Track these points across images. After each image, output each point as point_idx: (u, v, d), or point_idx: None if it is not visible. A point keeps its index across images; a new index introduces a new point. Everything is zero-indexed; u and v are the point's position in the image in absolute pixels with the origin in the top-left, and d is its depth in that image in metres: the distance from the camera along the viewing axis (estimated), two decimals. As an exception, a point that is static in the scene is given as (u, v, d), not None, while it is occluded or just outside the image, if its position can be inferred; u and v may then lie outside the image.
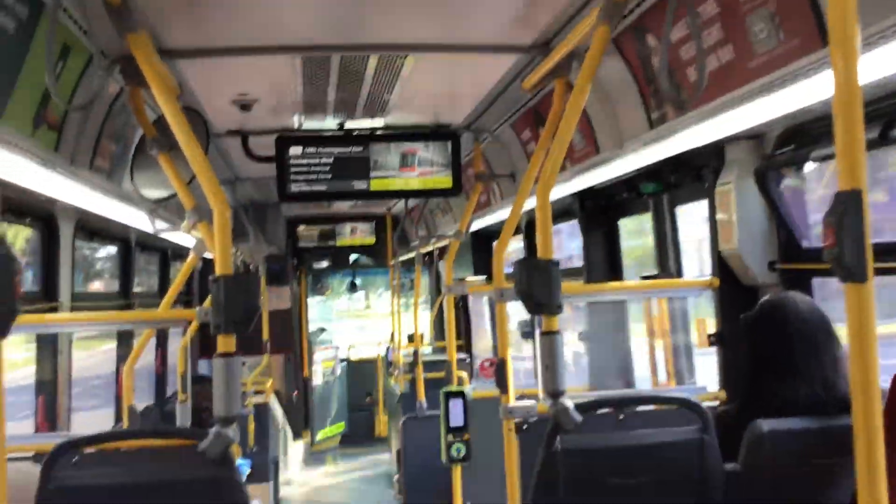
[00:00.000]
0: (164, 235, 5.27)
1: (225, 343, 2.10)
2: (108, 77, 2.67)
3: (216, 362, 2.09)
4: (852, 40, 1.27)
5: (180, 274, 3.62)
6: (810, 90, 2.19)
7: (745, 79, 2.25)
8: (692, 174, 3.53)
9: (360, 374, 11.88)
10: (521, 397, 3.59)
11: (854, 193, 1.25)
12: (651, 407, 2.97)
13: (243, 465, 6.56)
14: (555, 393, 2.24)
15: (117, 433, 2.36)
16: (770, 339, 2.48)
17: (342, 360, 11.88)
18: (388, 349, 10.46)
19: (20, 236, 4.15)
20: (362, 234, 10.61)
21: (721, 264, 3.23)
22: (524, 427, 3.18)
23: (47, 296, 4.12)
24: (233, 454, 2.12)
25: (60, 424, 3.98)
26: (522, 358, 7.08)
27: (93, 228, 4.80)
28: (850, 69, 1.27)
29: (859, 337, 1.26)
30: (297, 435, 10.08)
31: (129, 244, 5.53)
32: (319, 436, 11.07)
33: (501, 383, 2.89)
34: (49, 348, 4.10)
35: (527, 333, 6.63)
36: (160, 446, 2.43)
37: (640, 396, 2.65)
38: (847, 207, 1.25)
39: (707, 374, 4.00)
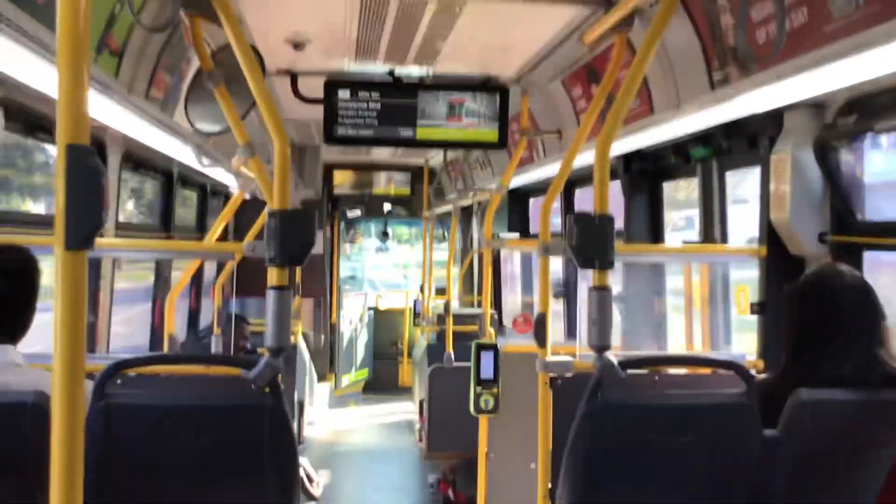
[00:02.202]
0: (206, 171, 5.32)
1: (279, 276, 2.13)
2: (173, 3, 2.66)
3: (270, 294, 2.12)
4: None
5: (227, 208, 3.66)
6: (885, 59, 2.14)
7: (818, 43, 2.20)
8: (746, 140, 3.47)
9: (387, 323, 11.98)
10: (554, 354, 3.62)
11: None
12: (684, 371, 2.98)
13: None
14: (601, 347, 2.25)
15: (169, 356, 2.41)
16: (815, 312, 2.45)
17: (370, 309, 11.97)
18: (416, 301, 10.52)
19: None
20: (398, 184, 10.61)
21: (770, 233, 3.20)
22: (558, 382, 3.21)
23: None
24: (280, 384, 2.16)
25: (99, 348, 4.07)
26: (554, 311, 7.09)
27: (139, 159, 4.84)
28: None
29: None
30: (321, 379, 10.23)
31: (172, 178, 5.58)
32: (343, 381, 11.22)
33: (540, 338, 2.90)
34: (93, 273, 4.17)
35: (559, 293, 6.64)
36: (204, 374, 2.48)
37: (686, 357, 2.65)
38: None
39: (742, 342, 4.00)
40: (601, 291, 2.27)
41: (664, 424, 2.27)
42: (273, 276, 2.14)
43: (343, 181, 10.60)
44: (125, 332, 5.58)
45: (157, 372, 2.41)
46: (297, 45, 3.89)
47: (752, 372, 3.15)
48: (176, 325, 6.68)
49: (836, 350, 2.37)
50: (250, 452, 2.16)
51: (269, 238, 2.12)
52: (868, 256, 3.04)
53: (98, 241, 3.78)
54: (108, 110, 3.11)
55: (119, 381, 2.18)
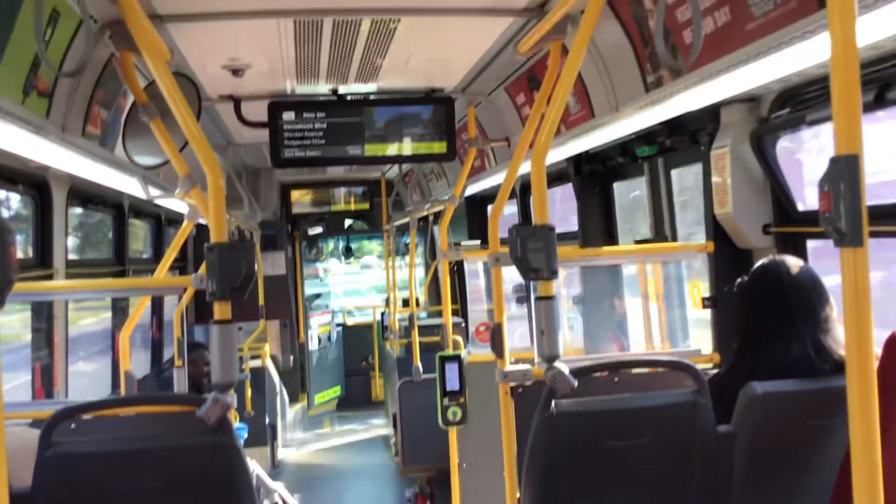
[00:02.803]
0: (157, 201, 5.26)
1: (221, 310, 2.11)
2: (98, 42, 2.63)
3: (213, 329, 2.10)
4: (850, 2, 1.26)
5: (175, 241, 3.62)
6: (806, 53, 2.17)
7: (742, 42, 2.23)
8: (688, 137, 3.52)
9: (355, 338, 11.93)
10: (516, 361, 3.62)
11: (850, 158, 1.25)
12: (646, 370, 3.00)
13: (241, 430, 6.62)
14: (550, 357, 2.26)
15: (115, 400, 2.37)
16: (763, 302, 2.50)
17: (338, 325, 11.91)
18: (383, 314, 10.49)
19: None
20: (357, 199, 10.59)
21: (716, 228, 3.24)
22: (519, 391, 3.21)
23: (42, 263, 4.11)
24: (230, 420, 2.13)
25: (57, 391, 4.00)
26: (518, 318, 7.10)
27: (86, 195, 4.78)
28: (848, 32, 1.26)
29: (854, 301, 1.26)
30: (293, 399, 10.16)
31: (123, 210, 5.51)
32: (316, 400, 11.14)
33: (497, 348, 2.90)
34: (44, 315, 4.10)
35: (522, 298, 6.66)
36: (159, 412, 2.44)
37: (634, 360, 2.67)
38: (843, 172, 1.25)
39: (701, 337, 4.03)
40: (546, 301, 2.27)
41: (618, 428, 2.28)
42: (216, 310, 2.12)
43: (301, 200, 10.56)
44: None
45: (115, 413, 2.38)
46: (237, 72, 3.86)
47: (710, 366, 3.19)
48: (140, 358, 6.63)
49: (783, 335, 2.42)
50: (205, 491, 2.13)
51: (210, 272, 2.10)
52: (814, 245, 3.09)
53: (43, 284, 3.74)
54: (43, 150, 3.07)
55: (73, 426, 2.14)
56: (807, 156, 3.15)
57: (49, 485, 2.05)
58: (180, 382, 4.14)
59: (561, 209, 6.00)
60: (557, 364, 2.25)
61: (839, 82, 1.26)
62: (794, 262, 2.54)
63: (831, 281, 2.53)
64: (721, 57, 2.33)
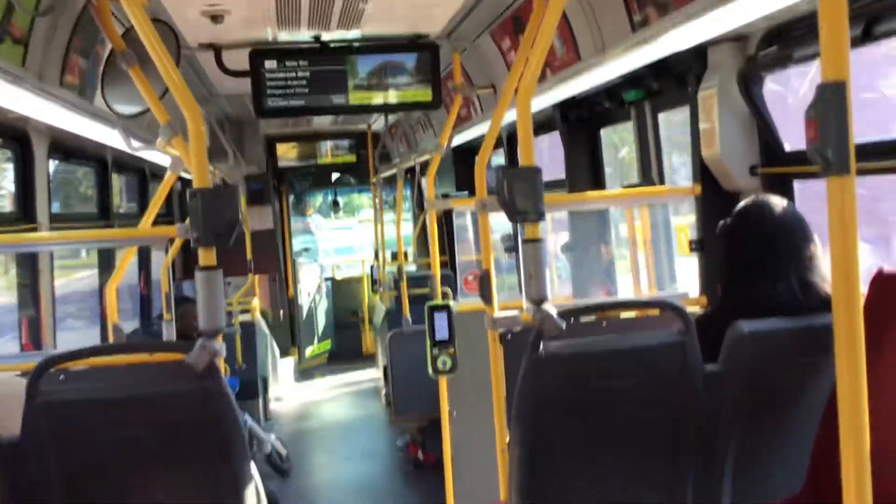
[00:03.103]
0: (140, 154, 5.20)
1: (206, 256, 2.09)
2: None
3: (198, 276, 2.08)
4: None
5: (158, 192, 3.58)
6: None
7: (729, -24, 2.20)
8: (675, 79, 3.48)
9: (345, 292, 11.94)
10: (504, 309, 3.62)
11: (838, 85, 1.23)
12: (633, 314, 3.01)
13: (232, 381, 6.66)
14: (538, 300, 2.25)
15: (103, 347, 2.36)
16: (747, 242, 2.50)
17: (327, 279, 11.91)
18: (372, 267, 10.49)
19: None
20: (343, 152, 10.51)
21: (703, 170, 3.22)
22: (508, 337, 3.21)
23: (25, 216, 4.08)
24: (219, 366, 2.13)
25: (46, 344, 3.99)
26: (507, 270, 7.12)
27: (68, 148, 4.72)
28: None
29: (841, 232, 1.25)
30: (284, 353, 10.19)
31: (106, 163, 5.45)
32: (307, 354, 11.19)
33: (486, 295, 2.90)
34: (30, 268, 4.08)
35: (510, 247, 6.66)
36: (147, 361, 2.44)
37: (620, 301, 2.67)
38: (830, 100, 1.23)
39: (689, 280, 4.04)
40: (534, 244, 2.26)
41: (606, 369, 2.29)
42: (201, 256, 2.10)
43: (287, 153, 10.47)
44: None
45: (98, 363, 2.37)
46: (216, 18, 3.78)
47: (697, 309, 3.20)
48: (129, 311, 6.62)
49: (768, 274, 2.42)
50: (194, 438, 2.13)
51: (193, 218, 2.08)
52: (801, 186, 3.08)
53: (26, 235, 3.70)
54: (20, 100, 3.02)
55: (62, 377, 2.13)
56: (793, 96, 3.12)
57: (37, 433, 2.04)
58: (169, 335, 4.13)
59: (549, 157, 5.97)
60: (545, 306, 2.24)
61: (827, 10, 1.24)
62: (777, 202, 2.53)
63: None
64: (708, -7, 2.30)
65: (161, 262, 4.81)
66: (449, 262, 9.04)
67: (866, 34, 2.26)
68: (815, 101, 1.25)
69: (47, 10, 2.25)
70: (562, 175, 5.00)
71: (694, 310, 3.19)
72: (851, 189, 1.26)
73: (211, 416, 2.14)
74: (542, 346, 2.25)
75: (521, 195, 2.24)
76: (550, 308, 2.26)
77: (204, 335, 2.08)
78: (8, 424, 2.03)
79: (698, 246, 3.31)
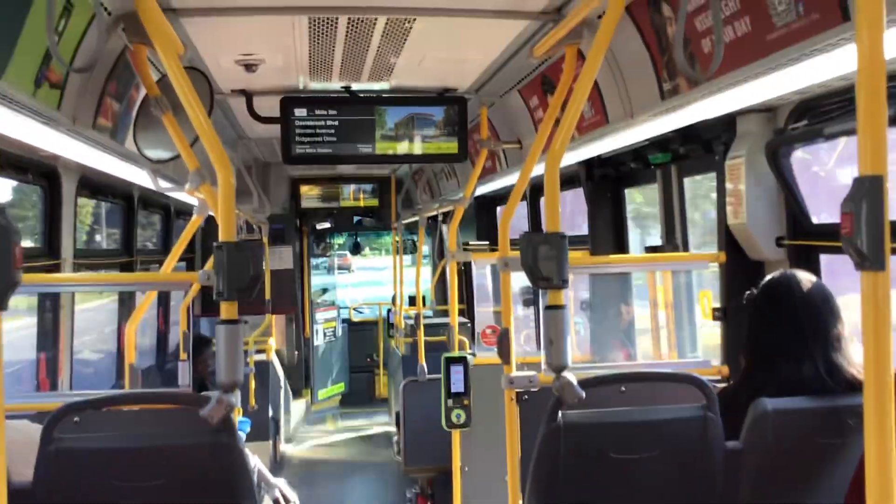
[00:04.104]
0: (167, 193, 5.25)
1: (228, 310, 2.09)
2: (111, 35, 2.62)
3: (219, 329, 2.08)
4: (879, 15, 1.23)
5: (184, 234, 3.60)
6: (827, 66, 2.14)
7: (762, 52, 2.20)
8: (702, 145, 3.48)
9: (361, 335, 11.91)
10: (522, 366, 3.59)
11: (874, 179, 1.22)
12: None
13: (244, 424, 6.62)
14: (558, 367, 2.23)
15: (119, 397, 2.35)
16: (773, 318, 2.46)
17: (344, 321, 11.90)
18: (389, 311, 10.47)
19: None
20: (366, 196, 10.57)
21: (728, 238, 3.20)
22: (525, 397, 3.18)
23: (50, 252, 4.11)
24: (233, 420, 2.11)
25: (62, 382, 3.99)
26: (523, 319, 7.08)
27: (96, 185, 4.77)
28: (876, 49, 1.23)
29: (874, 325, 1.24)
30: (297, 394, 10.15)
31: (133, 201, 5.51)
32: (320, 395, 11.13)
33: (504, 353, 2.88)
34: (51, 305, 4.10)
35: (529, 300, 6.63)
36: (161, 408, 2.43)
37: (645, 373, 2.63)
38: (866, 193, 1.22)
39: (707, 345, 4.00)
40: (556, 311, 2.24)
41: (625, 441, 2.25)
42: (222, 310, 2.10)
43: (310, 194, 10.54)
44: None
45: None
46: (250, 67, 3.84)
47: (718, 378, 3.16)
48: (145, 348, 6.63)
49: (793, 354, 2.38)
50: (205, 491, 2.11)
51: (218, 271, 2.08)
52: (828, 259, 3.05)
53: (50, 276, 3.73)
54: (53, 141, 3.06)
55: (76, 420, 2.13)
56: (822, 169, 3.11)
57: (50, 480, 2.03)
58: (185, 376, 4.13)
59: (570, 212, 5.97)
60: (565, 374, 2.22)
61: (865, 101, 1.23)
62: (805, 277, 2.50)
63: (845, 298, 2.50)
64: (740, 67, 2.30)
65: (181, 297, 4.84)
66: (467, 311, 9.01)
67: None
68: (851, 193, 1.24)
69: (83, 69, 2.28)
70: (584, 229, 4.99)
71: (715, 379, 3.15)
72: (886, 284, 1.24)
73: (222, 470, 2.12)
74: (560, 415, 2.22)
75: (545, 261, 2.22)
76: (571, 376, 2.23)
77: (221, 388, 2.07)
78: (21, 470, 2.02)
79: (721, 314, 3.28)
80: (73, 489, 2.06)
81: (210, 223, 5.24)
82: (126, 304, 5.33)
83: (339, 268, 23.56)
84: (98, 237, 5.96)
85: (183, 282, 2.97)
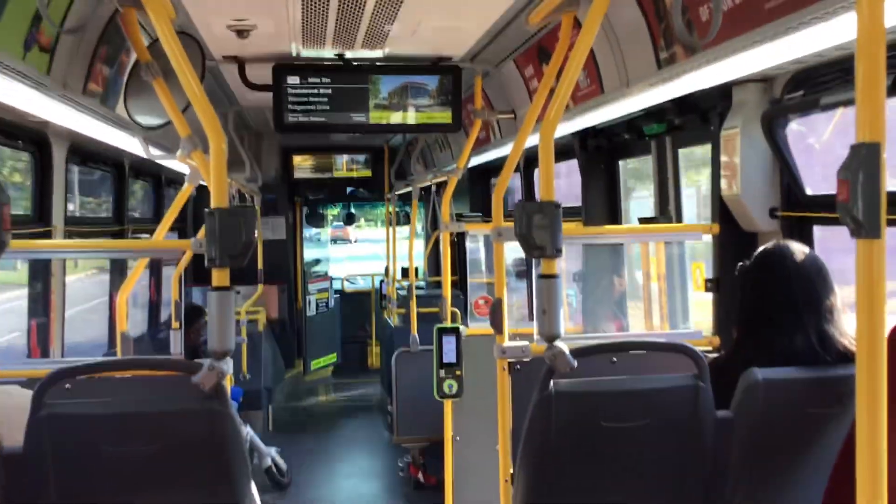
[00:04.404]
0: (159, 161, 5.21)
1: (220, 277, 2.08)
2: (102, -2, 2.58)
3: (211, 296, 2.07)
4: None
5: (175, 203, 3.58)
6: (826, 34, 2.12)
7: (761, 20, 2.18)
8: (697, 116, 3.46)
9: (353, 306, 11.90)
10: (515, 337, 3.60)
11: (872, 147, 1.21)
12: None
13: (236, 393, 6.63)
14: (550, 337, 2.23)
15: (110, 362, 2.35)
16: (766, 289, 2.46)
17: (336, 292, 11.89)
18: (381, 282, 10.46)
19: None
20: (359, 166, 10.53)
21: (722, 209, 3.20)
22: (517, 367, 3.19)
23: (41, 219, 4.08)
24: (225, 387, 2.11)
25: (53, 349, 3.98)
26: (516, 291, 7.08)
27: (86, 152, 4.73)
28: (876, 16, 1.21)
29: (869, 293, 1.23)
30: (289, 365, 10.16)
31: (124, 169, 5.47)
32: (312, 366, 11.15)
33: (496, 324, 2.88)
34: (42, 271, 4.08)
35: (521, 272, 6.63)
36: (154, 375, 2.42)
37: (637, 342, 2.64)
38: (863, 161, 1.21)
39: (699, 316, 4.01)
40: (549, 280, 2.24)
41: (616, 410, 2.26)
42: (214, 277, 2.09)
43: (303, 165, 10.49)
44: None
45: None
46: (241, 32, 3.79)
47: (710, 349, 3.17)
48: (137, 318, 6.62)
49: (786, 325, 2.38)
50: (197, 458, 2.11)
51: (209, 238, 2.07)
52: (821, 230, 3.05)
53: (40, 242, 3.71)
54: (43, 106, 3.02)
55: (67, 386, 2.12)
56: (817, 141, 3.10)
57: (41, 446, 2.03)
58: (177, 345, 4.12)
59: (566, 184, 5.95)
60: (558, 343, 2.22)
61: (864, 68, 1.22)
62: (798, 249, 2.50)
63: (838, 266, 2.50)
64: (738, 35, 2.28)
65: (173, 266, 4.81)
66: (459, 283, 9.01)
67: (898, 85, 2.23)
68: (847, 160, 1.23)
69: (73, 30, 2.25)
70: (577, 202, 4.98)
71: (706, 349, 3.16)
72: (881, 252, 1.23)
73: (214, 437, 2.12)
74: (552, 384, 2.22)
75: (539, 230, 2.21)
76: (563, 345, 2.23)
77: (213, 355, 2.07)
78: (13, 435, 2.02)
79: (714, 285, 3.28)
80: (64, 455, 2.06)
81: (202, 192, 5.21)
82: (117, 271, 5.31)
83: (339, 240, 23.49)
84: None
85: (175, 249, 2.95)
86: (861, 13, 1.22)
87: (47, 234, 4.02)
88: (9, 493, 2.00)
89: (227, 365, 2.10)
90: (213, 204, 2.07)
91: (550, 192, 2.26)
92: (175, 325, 4.19)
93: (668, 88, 3.00)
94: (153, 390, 2.23)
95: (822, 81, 2.72)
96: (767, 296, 2.44)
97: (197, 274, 8.31)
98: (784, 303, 2.41)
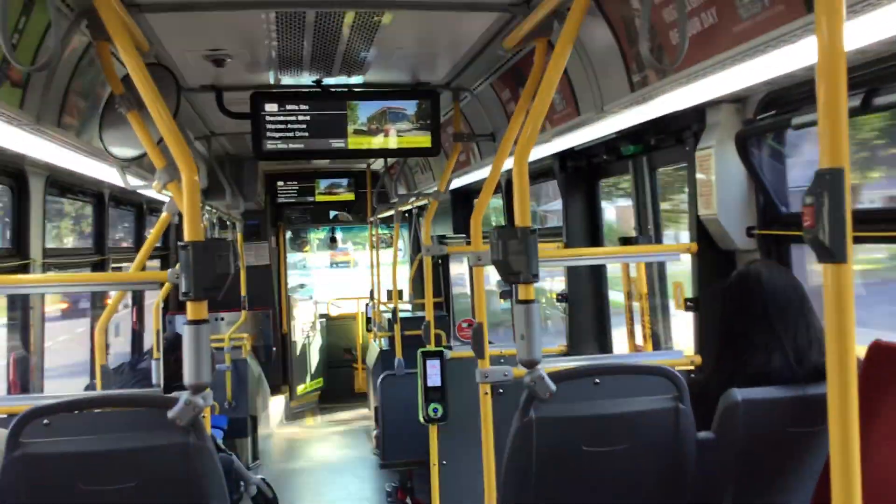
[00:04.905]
0: (138, 191, 5.19)
1: (195, 310, 2.07)
2: (75, 32, 2.57)
3: (186, 330, 2.05)
4: (838, 6, 1.22)
5: (153, 233, 3.56)
6: (793, 56, 2.15)
7: (728, 43, 2.20)
8: (673, 136, 3.48)
9: (339, 330, 11.87)
10: (498, 358, 3.59)
11: (835, 172, 1.22)
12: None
13: (220, 421, 6.58)
14: (530, 363, 2.23)
15: (86, 400, 2.32)
16: (743, 309, 2.48)
17: (322, 316, 11.85)
18: (367, 306, 10.44)
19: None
20: (342, 190, 10.53)
21: (699, 229, 3.21)
22: (500, 391, 3.18)
23: (19, 252, 4.05)
24: (202, 422, 2.09)
25: (33, 385, 3.94)
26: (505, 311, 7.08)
27: (65, 184, 4.71)
28: (835, 38, 1.22)
29: (837, 316, 1.24)
30: (275, 391, 10.10)
31: (103, 199, 5.44)
32: (298, 391, 11.09)
33: (478, 349, 2.87)
34: (20, 305, 4.04)
35: (506, 293, 6.63)
36: (130, 410, 2.40)
37: (616, 366, 2.64)
38: (828, 186, 1.22)
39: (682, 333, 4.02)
40: (528, 305, 2.24)
41: (597, 434, 2.25)
42: (189, 310, 2.07)
43: (287, 190, 10.48)
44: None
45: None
46: (218, 62, 3.79)
47: (691, 368, 3.17)
48: (119, 347, 6.56)
49: (763, 344, 2.39)
50: (175, 493, 2.09)
51: (184, 271, 2.06)
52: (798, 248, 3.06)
53: (18, 277, 3.68)
54: (18, 140, 3.01)
55: (45, 422, 2.10)
56: (791, 160, 3.12)
57: (17, 485, 2.01)
58: (158, 374, 4.09)
59: (555, 197, 5.96)
60: (538, 369, 2.22)
61: (825, 92, 1.23)
62: (775, 269, 2.52)
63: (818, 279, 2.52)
64: (707, 58, 2.30)
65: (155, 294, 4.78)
66: (444, 304, 9.00)
67: (865, 105, 2.26)
68: (811, 187, 1.24)
69: (43, 67, 2.25)
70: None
71: (688, 368, 3.16)
72: (848, 276, 1.24)
73: (192, 472, 2.10)
74: (532, 410, 2.22)
75: (515, 255, 2.22)
76: (542, 371, 2.23)
77: (189, 389, 2.05)
78: None
79: (694, 304, 3.29)
80: (41, 493, 2.03)
81: (182, 222, 5.18)
82: (99, 301, 5.27)
83: (338, 264, 23.22)
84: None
85: (153, 281, 2.93)
86: (821, 38, 1.24)
87: (25, 268, 3.99)
88: None
89: (206, 398, 2.09)
90: (186, 237, 2.06)
91: (526, 218, 2.27)
92: (157, 355, 4.15)
93: (641, 110, 3.02)
94: (131, 425, 2.21)
95: (794, 101, 2.75)
96: (745, 316, 2.45)
97: (180, 302, 8.26)
98: (761, 322, 2.42)
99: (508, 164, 3.12)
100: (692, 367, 3.14)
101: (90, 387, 4.69)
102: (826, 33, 1.22)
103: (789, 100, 2.77)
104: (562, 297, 4.76)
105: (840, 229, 1.21)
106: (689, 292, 3.43)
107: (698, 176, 3.17)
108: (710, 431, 2.31)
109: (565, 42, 2.33)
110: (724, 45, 2.23)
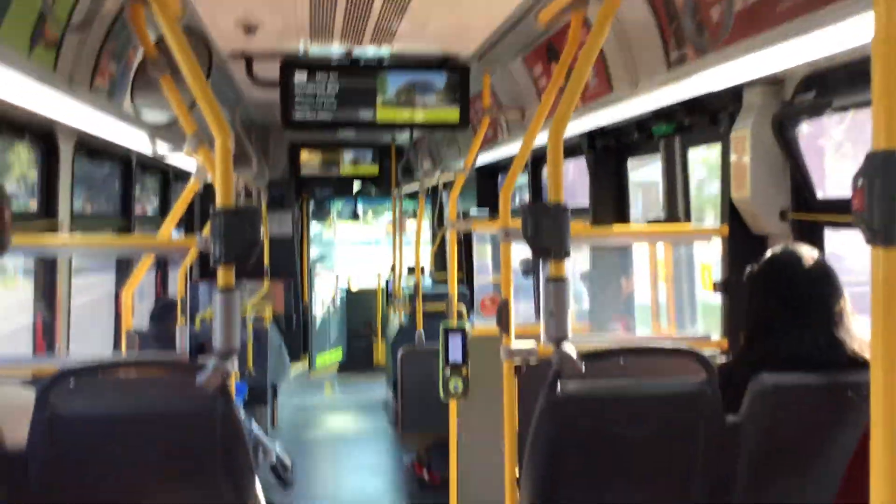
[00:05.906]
0: (165, 157, 5.20)
1: (225, 276, 2.06)
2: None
3: (215, 296, 2.05)
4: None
5: (181, 199, 3.56)
6: (840, 37, 2.09)
7: (772, 22, 2.15)
8: (707, 117, 3.43)
9: (359, 303, 11.90)
10: (521, 336, 3.57)
11: (888, 154, 1.18)
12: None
13: (241, 388, 6.63)
14: (558, 339, 2.21)
15: (116, 363, 2.34)
16: (774, 293, 2.44)
17: (342, 289, 11.89)
18: (388, 280, 10.45)
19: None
20: (366, 163, 10.51)
21: (731, 211, 3.17)
22: (524, 370, 3.17)
23: (47, 214, 4.07)
24: (230, 387, 2.10)
25: (58, 347, 3.98)
26: (524, 290, 7.06)
27: (93, 147, 4.72)
28: (894, 13, 1.19)
29: (884, 301, 1.21)
30: (295, 360, 10.16)
31: (131, 164, 5.46)
32: (318, 362, 11.15)
33: (503, 325, 2.86)
34: (48, 267, 4.07)
35: (528, 271, 6.61)
36: (157, 376, 2.41)
37: (642, 348, 2.61)
38: (880, 168, 1.19)
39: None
40: (557, 282, 2.22)
41: (624, 414, 2.24)
42: (219, 276, 2.07)
43: (310, 161, 10.47)
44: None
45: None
46: (249, 29, 3.78)
47: (718, 351, 3.14)
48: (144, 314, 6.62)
49: (794, 329, 2.36)
50: (201, 459, 2.10)
51: (214, 237, 2.05)
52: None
53: (46, 238, 3.70)
54: (50, 102, 3.01)
55: (72, 384, 2.11)
56: (829, 143, 3.07)
57: (43, 446, 2.02)
58: (183, 341, 4.12)
59: (572, 182, 5.93)
60: (565, 346, 2.20)
61: (881, 70, 1.19)
62: (807, 253, 2.48)
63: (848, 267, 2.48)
64: (749, 37, 2.26)
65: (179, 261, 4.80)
66: (466, 280, 8.99)
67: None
68: (862, 168, 1.20)
69: (79, 27, 2.24)
70: (586, 200, 4.95)
71: (714, 352, 3.13)
72: (896, 260, 1.21)
73: (218, 437, 2.11)
74: (559, 387, 2.20)
75: (546, 232, 2.20)
76: (571, 348, 2.21)
77: (217, 355, 2.05)
78: (16, 435, 2.01)
79: (722, 287, 3.25)
80: (67, 455, 2.05)
81: (208, 187, 5.19)
82: (123, 267, 5.30)
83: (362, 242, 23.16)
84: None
85: (181, 247, 2.94)
86: (879, 13, 1.20)
87: (53, 230, 4.01)
88: (11, 494, 2.00)
89: (232, 364, 2.09)
90: (218, 203, 2.05)
91: (559, 194, 2.24)
92: (181, 321, 4.18)
93: (677, 89, 2.97)
94: (158, 389, 2.22)
95: (834, 83, 2.69)
96: (776, 300, 2.41)
97: (203, 269, 8.31)
98: (792, 307, 2.39)
99: (537, 141, 3.09)
100: (719, 351, 3.12)
101: (116, 351, 4.74)
102: (884, 5, 1.18)
103: (829, 82, 2.72)
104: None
105: (892, 212, 1.18)
106: (716, 276, 3.40)
107: (732, 158, 3.12)
108: (737, 416, 2.28)
109: (605, 16, 2.29)
110: (767, 24, 2.18)
